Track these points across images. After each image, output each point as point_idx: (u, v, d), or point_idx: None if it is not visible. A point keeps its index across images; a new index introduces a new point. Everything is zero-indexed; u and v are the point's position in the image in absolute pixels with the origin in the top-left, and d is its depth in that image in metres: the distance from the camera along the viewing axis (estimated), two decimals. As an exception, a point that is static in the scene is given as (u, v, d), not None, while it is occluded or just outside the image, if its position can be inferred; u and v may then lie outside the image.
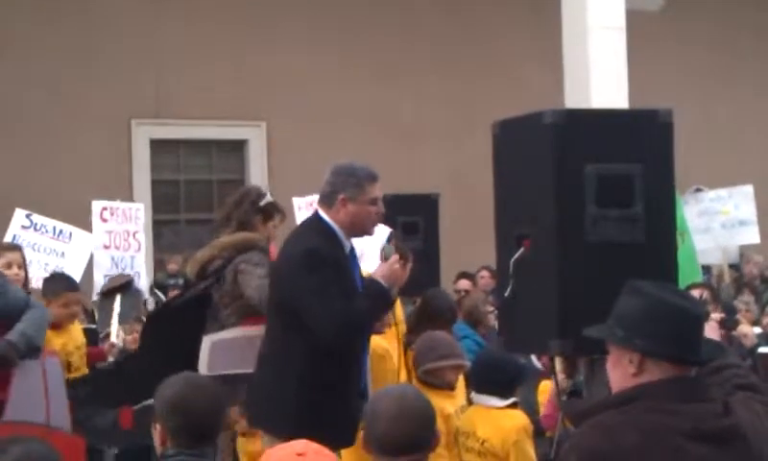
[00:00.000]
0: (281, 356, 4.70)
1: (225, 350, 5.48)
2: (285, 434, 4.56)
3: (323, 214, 4.77)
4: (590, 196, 3.73)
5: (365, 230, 4.89)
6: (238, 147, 14.62)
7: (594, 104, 10.57)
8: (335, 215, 4.73)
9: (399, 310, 6.25)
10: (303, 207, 8.21)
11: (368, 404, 3.34)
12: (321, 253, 4.60)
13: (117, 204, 9.42)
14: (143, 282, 9.33)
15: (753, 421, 2.64)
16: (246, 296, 5.44)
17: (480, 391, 5.43)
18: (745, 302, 8.99)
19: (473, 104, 14.38)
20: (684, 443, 2.73)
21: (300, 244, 4.73)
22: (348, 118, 14.23)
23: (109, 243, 9.16)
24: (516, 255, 3.85)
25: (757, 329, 6.88)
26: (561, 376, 4.23)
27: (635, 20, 12.36)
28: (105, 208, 9.28)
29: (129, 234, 9.27)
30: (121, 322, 7.72)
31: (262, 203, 5.80)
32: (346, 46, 14.50)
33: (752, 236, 11.49)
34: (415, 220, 7.87)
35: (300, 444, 2.84)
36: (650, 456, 2.73)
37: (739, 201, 11.49)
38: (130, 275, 8.90)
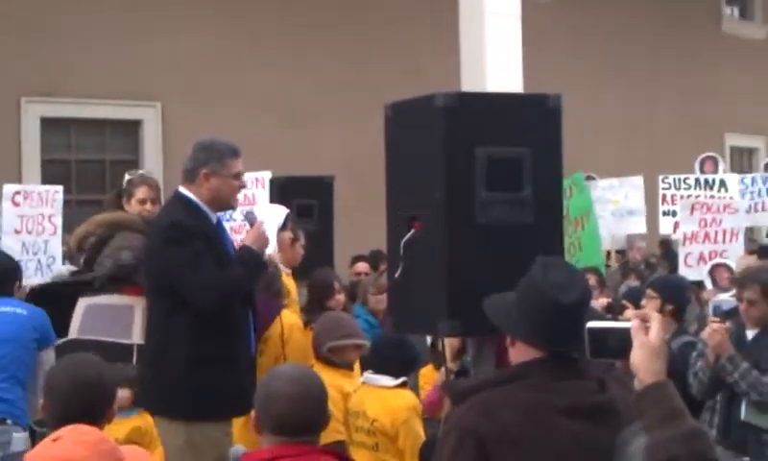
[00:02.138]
0: (167, 338, 4.72)
1: (98, 314, 5.49)
2: (182, 416, 4.57)
3: (184, 191, 4.84)
4: (480, 179, 3.76)
5: (228, 204, 4.99)
6: (133, 127, 14.37)
7: (490, 89, 10.67)
8: (197, 190, 4.80)
9: (294, 290, 6.26)
10: None
11: (261, 384, 3.32)
12: (185, 225, 4.68)
13: (33, 187, 9.21)
14: (58, 266, 9.09)
15: (626, 397, 2.71)
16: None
17: (378, 370, 5.46)
18: (628, 285, 9.22)
19: (370, 88, 14.38)
20: (559, 419, 2.80)
21: (162, 221, 4.83)
22: (243, 101, 14.13)
23: (21, 228, 8.93)
24: (407, 237, 3.87)
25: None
26: (448, 357, 4.28)
27: (529, 8, 12.53)
28: (18, 192, 9.07)
29: (44, 218, 9.06)
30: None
31: (124, 181, 5.95)
32: (244, 29, 14.38)
33: (639, 226, 11.79)
34: (309, 202, 7.84)
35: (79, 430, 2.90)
36: (527, 433, 2.79)
37: (630, 191, 11.79)
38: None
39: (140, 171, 6.23)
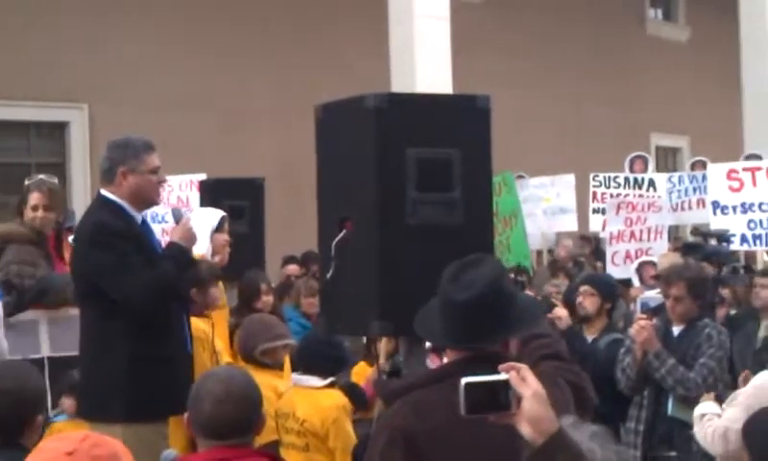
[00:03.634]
0: (100, 340, 4.69)
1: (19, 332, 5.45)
2: (119, 419, 4.53)
3: (104, 192, 4.81)
4: (411, 179, 3.78)
5: (150, 201, 4.95)
6: (59, 130, 14.15)
7: (419, 90, 10.73)
8: (117, 190, 4.76)
9: (223, 293, 6.24)
10: None
11: (193, 386, 3.29)
12: (110, 227, 4.66)
13: None
14: None
15: (553, 392, 2.74)
16: None
17: (306, 371, 5.46)
18: (555, 284, 9.32)
19: (302, 89, 14.36)
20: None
21: (86, 225, 4.79)
22: (173, 103, 13.99)
23: None
24: (338, 238, 3.88)
25: None
26: (381, 357, 4.29)
27: (459, 10, 12.63)
28: None
29: None
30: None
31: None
32: (173, 31, 14.24)
33: (570, 224, 11.94)
34: (241, 204, 7.79)
35: (76, 437, 2.60)
36: (456, 432, 2.81)
37: (561, 189, 11.93)
38: None
39: (40, 176, 6.13)
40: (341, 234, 3.87)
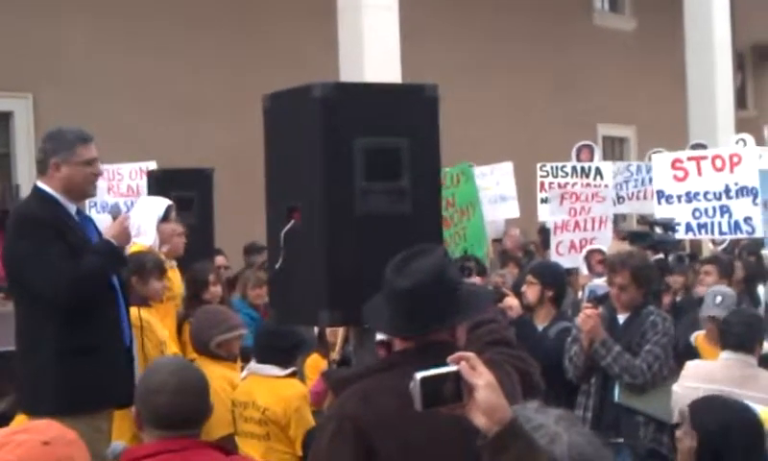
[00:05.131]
0: (31, 331, 4.65)
1: None
2: (50, 413, 4.46)
3: (39, 184, 4.78)
4: (359, 169, 3.78)
5: (84, 193, 4.93)
6: (3, 119, 13.93)
7: (368, 80, 10.73)
8: (50, 181, 4.73)
9: (178, 283, 6.21)
10: None
11: (140, 378, 3.27)
12: (32, 217, 4.63)
13: None
14: None
15: (501, 377, 2.76)
16: None
17: (262, 361, 5.44)
18: (501, 274, 9.38)
19: (250, 79, 14.29)
20: None
21: (13, 215, 4.81)
22: (121, 91, 13.85)
23: None
24: (287, 227, 3.87)
25: None
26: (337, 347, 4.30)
27: (406, 0, 12.64)
28: None
29: None
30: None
31: None
32: (121, 18, 14.07)
33: (512, 211, 12.00)
34: (189, 195, 7.74)
35: (42, 426, 2.59)
36: (405, 419, 2.80)
37: (501, 177, 11.97)
38: None
39: None
40: (289, 224, 3.86)
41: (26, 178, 13.33)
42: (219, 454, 3.27)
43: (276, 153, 4.05)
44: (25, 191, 13.13)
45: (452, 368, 2.28)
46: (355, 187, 3.78)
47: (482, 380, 2.27)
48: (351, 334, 4.04)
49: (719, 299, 6.81)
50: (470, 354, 2.32)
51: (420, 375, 2.27)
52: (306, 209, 3.84)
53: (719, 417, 3.95)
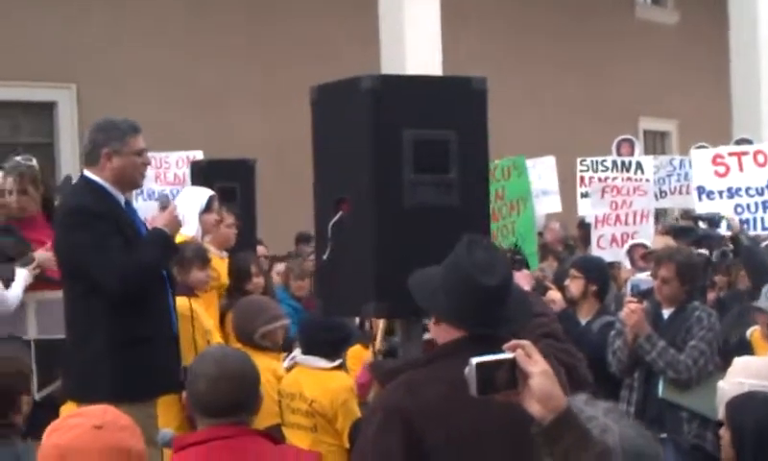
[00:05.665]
0: (84, 321, 4.69)
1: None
2: (105, 400, 4.52)
3: (88, 174, 4.80)
4: (407, 161, 3.78)
5: (134, 183, 4.97)
6: (47, 109, 14.08)
7: (409, 72, 10.74)
8: (101, 172, 4.75)
9: (224, 273, 6.24)
10: None
11: (190, 365, 3.31)
12: (88, 208, 4.65)
13: None
14: None
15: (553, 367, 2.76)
16: None
17: (308, 352, 5.46)
18: (541, 268, 9.34)
19: (289, 71, 14.36)
20: None
21: (66, 206, 4.84)
22: (162, 83, 13.96)
23: None
24: (334, 219, 3.88)
25: None
26: (378, 339, 4.30)
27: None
28: None
29: None
30: None
31: None
32: (162, 10, 14.18)
33: (554, 205, 11.95)
34: (232, 185, 7.77)
35: (97, 411, 2.65)
36: (453, 408, 2.83)
37: (542, 171, 11.92)
38: None
39: (17, 157, 6.06)
40: (337, 216, 3.87)
41: (69, 167, 13.47)
42: (268, 443, 3.31)
43: (323, 145, 4.06)
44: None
45: (508, 355, 2.29)
46: (404, 179, 3.76)
47: (537, 368, 2.28)
48: (398, 326, 4.04)
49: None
50: (526, 342, 2.33)
51: (475, 360, 2.28)
52: (354, 201, 3.84)
53: (758, 414, 3.92)
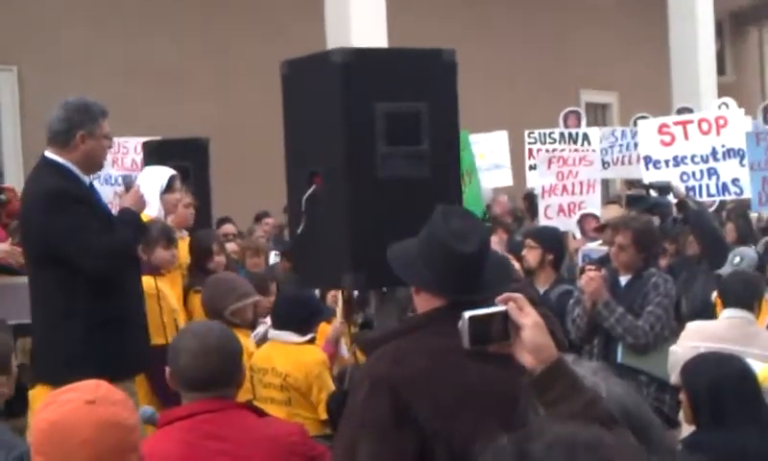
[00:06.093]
0: (60, 307, 4.66)
1: None
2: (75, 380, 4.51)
3: (52, 155, 4.74)
4: (380, 133, 3.81)
5: (99, 166, 4.97)
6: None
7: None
8: (70, 154, 4.71)
9: (186, 254, 6.22)
10: None
11: (171, 341, 3.33)
12: (64, 191, 4.61)
13: None
14: None
15: None
16: None
17: (280, 327, 5.48)
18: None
19: (236, 51, 14.28)
20: (467, 361, 2.84)
21: (39, 190, 4.70)
22: (108, 64, 13.79)
23: None
24: (308, 193, 3.90)
25: None
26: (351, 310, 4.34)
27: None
28: None
29: None
30: None
31: None
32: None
33: (506, 179, 12.07)
34: (185, 165, 7.72)
35: (90, 386, 2.64)
36: (437, 376, 2.87)
37: (494, 145, 12.02)
38: None
39: None
40: (311, 189, 3.90)
41: (11, 151, 13.28)
42: (253, 415, 3.34)
43: (295, 119, 4.08)
44: (8, 163, 13.10)
45: (500, 308, 2.34)
46: (377, 152, 3.80)
47: (529, 320, 2.32)
48: (372, 297, 4.08)
49: (737, 259, 6.87)
50: (518, 295, 2.38)
51: (468, 313, 2.33)
52: (327, 174, 3.87)
53: (711, 375, 4.06)
